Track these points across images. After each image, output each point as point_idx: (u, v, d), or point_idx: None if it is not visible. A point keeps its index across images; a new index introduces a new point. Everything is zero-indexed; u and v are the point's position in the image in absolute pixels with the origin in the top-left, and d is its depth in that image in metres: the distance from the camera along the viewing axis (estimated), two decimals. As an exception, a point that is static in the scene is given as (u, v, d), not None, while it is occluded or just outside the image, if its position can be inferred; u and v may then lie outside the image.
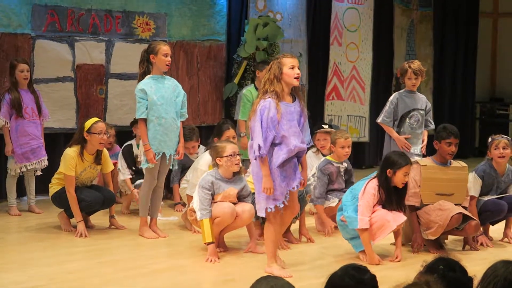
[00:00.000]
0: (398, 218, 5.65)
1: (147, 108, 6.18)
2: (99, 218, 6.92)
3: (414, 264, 5.50)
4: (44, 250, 5.98)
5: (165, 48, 6.28)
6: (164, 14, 8.94)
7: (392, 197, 5.67)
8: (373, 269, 2.96)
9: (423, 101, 6.91)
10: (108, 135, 6.92)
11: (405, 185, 5.73)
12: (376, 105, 11.55)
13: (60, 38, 8.15)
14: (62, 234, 6.54)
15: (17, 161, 7.22)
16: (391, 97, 6.97)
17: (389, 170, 5.63)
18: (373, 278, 2.85)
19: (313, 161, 7.21)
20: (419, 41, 12.37)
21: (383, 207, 5.67)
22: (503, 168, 6.37)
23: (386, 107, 6.88)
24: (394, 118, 6.80)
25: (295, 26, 10.35)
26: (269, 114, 5.01)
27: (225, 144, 5.87)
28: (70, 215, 6.60)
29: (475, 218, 6.01)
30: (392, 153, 5.85)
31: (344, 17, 11.01)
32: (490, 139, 6.38)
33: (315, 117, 10.65)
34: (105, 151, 6.78)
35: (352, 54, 11.17)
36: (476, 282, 2.97)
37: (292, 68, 5.13)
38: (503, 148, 6.27)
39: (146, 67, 6.32)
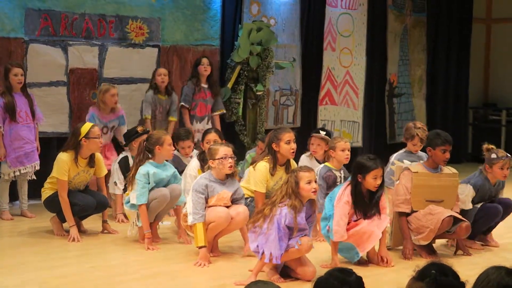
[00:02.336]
0: (381, 224, 5.65)
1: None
2: (92, 222, 6.91)
3: (406, 269, 5.49)
4: (36, 254, 5.96)
5: (168, 138, 6.40)
6: (158, 18, 8.94)
7: (364, 202, 5.61)
8: (365, 273, 2.96)
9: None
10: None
11: (380, 189, 5.67)
12: (369, 110, 11.58)
13: (54, 42, 8.14)
14: (55, 239, 6.52)
15: (11, 165, 7.20)
16: (393, 158, 6.94)
17: (359, 175, 5.60)
18: (359, 279, 2.87)
19: (307, 165, 7.12)
20: (412, 46, 12.41)
21: (355, 212, 5.63)
22: (495, 180, 6.46)
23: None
24: None
25: (289, 31, 10.36)
26: (285, 223, 5.07)
27: (218, 147, 5.85)
28: (62, 219, 6.59)
29: (466, 220, 6.04)
30: (362, 157, 5.77)
31: (338, 22, 11.03)
32: (495, 156, 6.37)
33: (309, 122, 10.67)
34: (98, 155, 6.76)
35: (345, 59, 11.18)
36: (468, 287, 2.97)
37: (309, 183, 5.13)
38: (507, 169, 6.37)
39: (144, 157, 6.34)
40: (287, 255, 5.14)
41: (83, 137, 6.50)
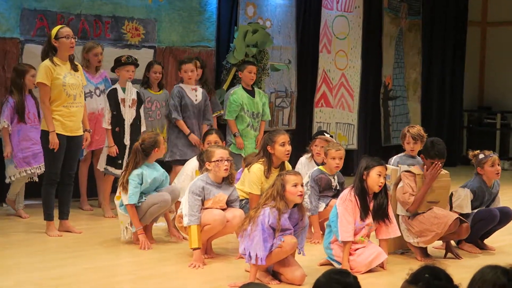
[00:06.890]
0: (392, 234, 5.80)
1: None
2: (86, 224, 6.91)
3: (400, 272, 5.51)
4: (31, 255, 5.95)
5: (161, 137, 6.45)
6: (154, 19, 8.95)
7: (367, 203, 5.63)
8: (359, 276, 2.98)
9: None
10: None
11: (385, 194, 5.72)
12: (364, 113, 11.60)
13: (49, 43, 8.12)
14: (50, 240, 6.52)
15: (17, 165, 7.19)
16: (392, 161, 6.85)
17: (364, 172, 5.63)
18: (356, 278, 2.89)
19: (306, 168, 7.09)
20: (407, 49, 12.44)
21: (362, 216, 5.65)
22: (492, 181, 6.50)
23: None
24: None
25: (284, 33, 10.37)
26: (268, 223, 5.05)
27: (215, 149, 5.85)
28: (47, 217, 6.59)
29: (466, 220, 6.07)
30: (365, 157, 5.84)
31: (334, 24, 11.05)
32: (482, 156, 6.42)
33: (304, 124, 10.69)
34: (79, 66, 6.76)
35: (341, 62, 11.20)
36: (462, 289, 2.98)
37: (295, 186, 5.12)
38: (498, 165, 6.42)
39: (140, 161, 6.33)
40: (271, 257, 5.11)
41: (53, 39, 6.48)
